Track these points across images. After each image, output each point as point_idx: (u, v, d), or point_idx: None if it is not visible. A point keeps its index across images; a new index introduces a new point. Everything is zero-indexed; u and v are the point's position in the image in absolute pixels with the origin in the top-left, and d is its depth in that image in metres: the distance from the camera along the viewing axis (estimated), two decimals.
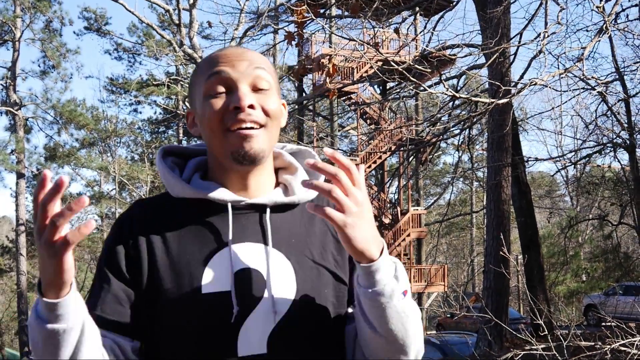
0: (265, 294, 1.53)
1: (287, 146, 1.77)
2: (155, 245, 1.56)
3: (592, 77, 7.11)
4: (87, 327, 1.39)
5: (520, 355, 8.46)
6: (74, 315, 1.35)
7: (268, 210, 1.61)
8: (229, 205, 1.58)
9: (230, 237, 1.55)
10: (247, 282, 1.53)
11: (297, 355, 1.53)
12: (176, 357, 1.52)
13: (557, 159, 18.25)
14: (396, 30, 9.51)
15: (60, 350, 1.36)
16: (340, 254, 1.65)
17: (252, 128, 1.53)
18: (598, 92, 10.27)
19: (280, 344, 1.52)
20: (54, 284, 1.32)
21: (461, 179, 40.89)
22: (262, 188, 1.64)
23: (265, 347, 1.51)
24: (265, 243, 1.57)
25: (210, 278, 1.52)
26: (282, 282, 1.54)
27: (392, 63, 7.74)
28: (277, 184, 1.69)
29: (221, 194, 1.58)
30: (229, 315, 1.49)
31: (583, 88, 10.53)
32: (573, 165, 19.35)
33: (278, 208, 1.63)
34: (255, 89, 1.57)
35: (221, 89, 1.55)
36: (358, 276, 1.47)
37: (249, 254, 1.56)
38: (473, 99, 8.33)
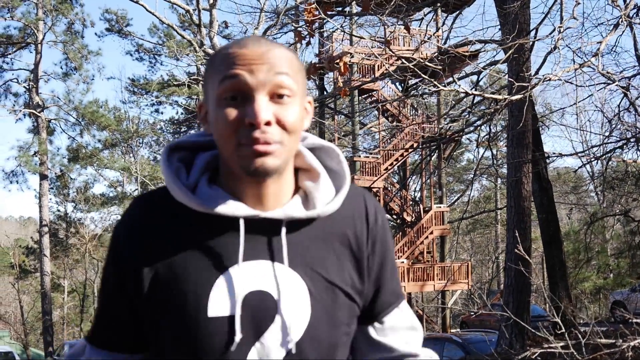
0: (276, 319, 1.41)
1: (308, 138, 1.59)
2: (157, 257, 1.44)
3: (608, 72, 6.99)
4: None
5: (537, 354, 8.35)
6: None
7: (284, 227, 1.46)
8: (241, 220, 1.43)
9: (241, 255, 1.42)
10: (256, 305, 1.41)
11: None
12: None
13: (580, 154, 18.03)
14: (406, 27, 9.43)
15: None
16: (359, 275, 1.52)
17: (266, 143, 1.37)
18: (619, 86, 10.12)
19: None
20: None
21: (485, 176, 40.67)
22: (279, 198, 1.48)
23: None
24: (280, 261, 1.44)
25: (217, 300, 1.40)
26: (295, 305, 1.43)
27: (406, 61, 7.66)
28: (297, 189, 1.53)
29: (231, 208, 1.43)
30: (233, 342, 1.39)
31: (605, 83, 10.41)
32: (597, 160, 19.16)
33: (296, 221, 1.48)
34: (275, 98, 1.40)
35: (236, 95, 1.39)
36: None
37: (261, 273, 1.43)
38: (487, 95, 8.24)
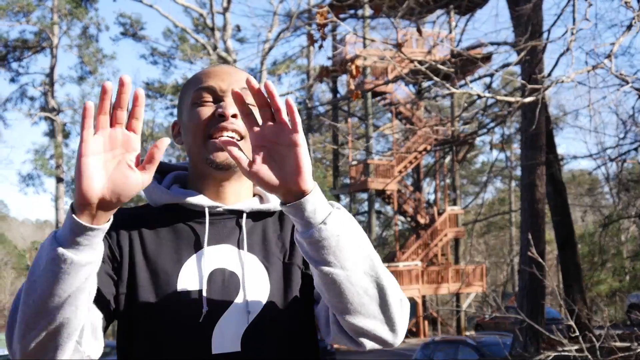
0: (240, 294, 1.58)
1: None
2: (134, 244, 1.60)
3: (621, 74, 6.95)
4: (93, 279, 1.36)
5: (551, 357, 8.31)
6: (93, 253, 1.33)
7: (244, 215, 1.67)
8: (206, 209, 1.64)
9: (206, 239, 1.61)
10: (221, 282, 1.58)
11: (271, 352, 1.58)
12: (152, 352, 1.55)
13: (595, 155, 17.96)
14: (419, 30, 9.42)
15: (57, 286, 1.30)
16: None
17: (232, 138, 1.59)
18: (633, 87, 10.07)
19: (254, 342, 1.56)
20: (95, 199, 1.30)
21: (499, 178, 40.54)
22: (239, 197, 1.69)
23: (239, 345, 1.55)
24: (241, 247, 1.63)
25: (185, 277, 1.57)
26: (255, 283, 1.60)
27: (418, 64, 7.66)
28: (254, 195, 1.75)
29: (199, 199, 1.63)
30: (201, 314, 1.54)
31: (619, 84, 10.36)
32: (612, 162, 19.08)
33: (255, 215, 1.69)
34: None
35: (209, 98, 1.63)
36: (295, 230, 1.45)
37: (225, 256, 1.61)
38: (500, 98, 8.21)
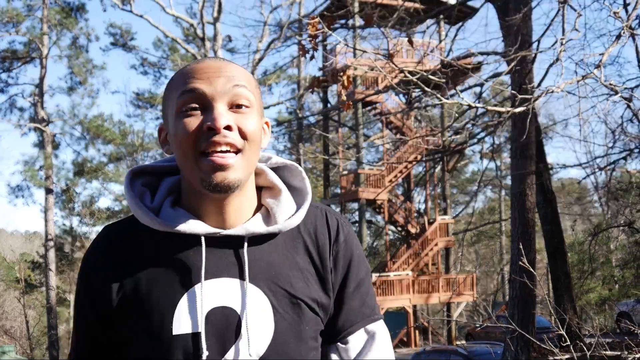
0: (241, 335, 1.42)
1: (272, 159, 1.63)
2: (124, 281, 1.46)
3: (611, 83, 7.00)
4: None
5: None
6: None
7: (245, 243, 1.48)
8: (202, 238, 1.46)
9: (203, 273, 1.44)
10: (220, 322, 1.43)
11: None
12: None
13: (584, 165, 18.04)
14: (409, 40, 9.46)
15: None
16: (324, 290, 1.54)
17: (227, 151, 1.40)
18: (622, 97, 10.13)
19: None
20: None
21: (489, 187, 40.62)
22: (241, 214, 1.51)
23: None
24: (242, 278, 1.45)
25: (181, 318, 1.42)
26: (259, 321, 1.44)
27: (409, 74, 7.69)
28: (259, 206, 1.56)
29: (193, 227, 1.46)
30: (199, 359, 1.40)
31: (608, 94, 10.42)
32: (601, 171, 19.16)
33: (258, 237, 1.51)
34: (234, 108, 1.44)
35: (195, 106, 1.42)
36: None
37: (224, 290, 1.44)
38: (490, 108, 8.25)
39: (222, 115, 1.40)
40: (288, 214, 1.53)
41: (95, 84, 34.60)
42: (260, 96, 1.54)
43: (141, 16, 27.81)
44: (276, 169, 1.63)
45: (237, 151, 1.42)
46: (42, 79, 32.36)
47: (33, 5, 32.02)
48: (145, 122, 45.71)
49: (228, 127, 1.40)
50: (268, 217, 1.53)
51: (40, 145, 32.69)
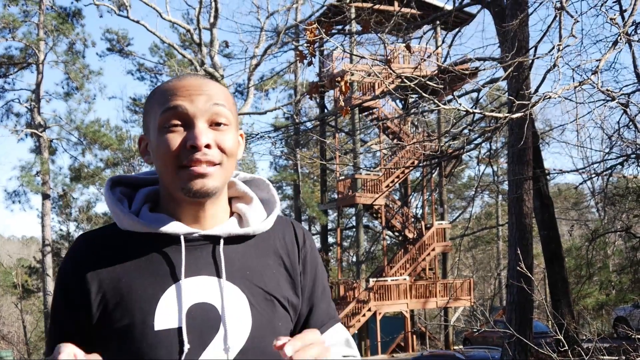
0: (220, 329, 1.48)
1: (240, 174, 1.74)
2: (104, 283, 1.50)
3: (608, 90, 7.04)
4: None
5: None
6: None
7: (222, 242, 1.56)
8: (182, 237, 1.53)
9: (183, 271, 1.50)
10: (200, 317, 1.48)
11: None
12: None
13: (581, 170, 18.08)
14: (407, 46, 9.50)
15: None
16: (294, 291, 1.63)
17: (208, 162, 1.49)
18: (619, 103, 10.17)
19: None
20: None
21: (486, 193, 40.66)
22: (216, 219, 1.59)
23: None
24: (220, 276, 1.53)
25: (162, 314, 1.46)
26: (237, 316, 1.50)
27: (405, 80, 7.72)
28: (232, 214, 1.65)
29: (173, 227, 1.53)
30: (181, 353, 1.44)
31: (604, 100, 10.45)
32: (598, 177, 19.18)
33: (233, 239, 1.59)
34: (213, 125, 1.52)
35: (177, 122, 1.50)
36: None
37: (203, 288, 1.51)
38: (487, 114, 8.28)
39: (203, 133, 1.48)
40: (260, 219, 1.63)
41: (91, 89, 34.55)
42: (237, 111, 1.62)
43: (138, 22, 27.80)
44: (245, 183, 1.74)
45: (216, 164, 1.51)
46: (38, 84, 32.32)
47: (29, 11, 32.00)
48: (142, 127, 45.74)
49: (208, 146, 1.48)
50: (241, 222, 1.63)
51: (37, 150, 32.63)
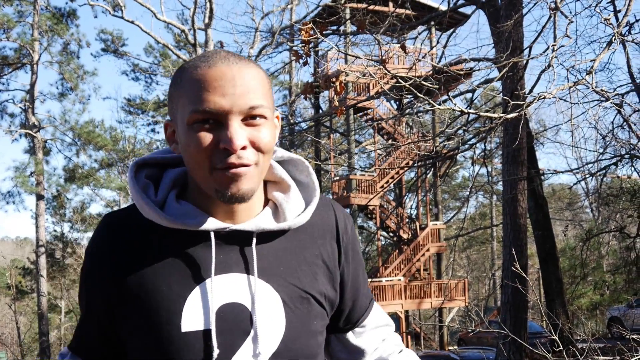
0: (252, 331, 1.38)
1: (277, 152, 1.56)
2: (129, 276, 1.40)
3: (602, 90, 7.06)
4: None
5: None
6: None
7: (254, 238, 1.44)
8: (212, 234, 1.41)
9: (213, 269, 1.39)
10: (230, 318, 1.38)
11: None
12: None
13: (575, 170, 18.11)
14: (402, 46, 9.50)
15: None
16: (332, 285, 1.52)
17: (242, 166, 1.34)
18: (613, 103, 10.19)
19: None
20: None
21: (480, 193, 40.71)
22: (250, 211, 1.45)
23: None
24: (252, 273, 1.41)
25: (190, 315, 1.36)
26: (269, 316, 1.40)
27: (400, 80, 7.72)
28: (267, 201, 1.52)
29: (201, 222, 1.40)
30: (210, 357, 1.35)
31: (598, 100, 10.48)
32: (592, 177, 19.21)
33: (267, 233, 1.46)
34: (248, 120, 1.36)
35: (209, 119, 1.34)
36: None
37: (234, 286, 1.40)
38: (482, 114, 8.29)
39: (238, 135, 1.33)
40: (297, 211, 1.49)
41: (86, 90, 34.51)
42: (272, 91, 1.46)
43: (132, 22, 27.80)
44: (281, 163, 1.58)
45: (252, 164, 1.37)
46: (33, 84, 32.27)
47: (24, 11, 31.96)
48: (136, 128, 45.78)
49: (243, 147, 1.33)
50: (277, 213, 1.49)
51: (31, 151, 32.57)
